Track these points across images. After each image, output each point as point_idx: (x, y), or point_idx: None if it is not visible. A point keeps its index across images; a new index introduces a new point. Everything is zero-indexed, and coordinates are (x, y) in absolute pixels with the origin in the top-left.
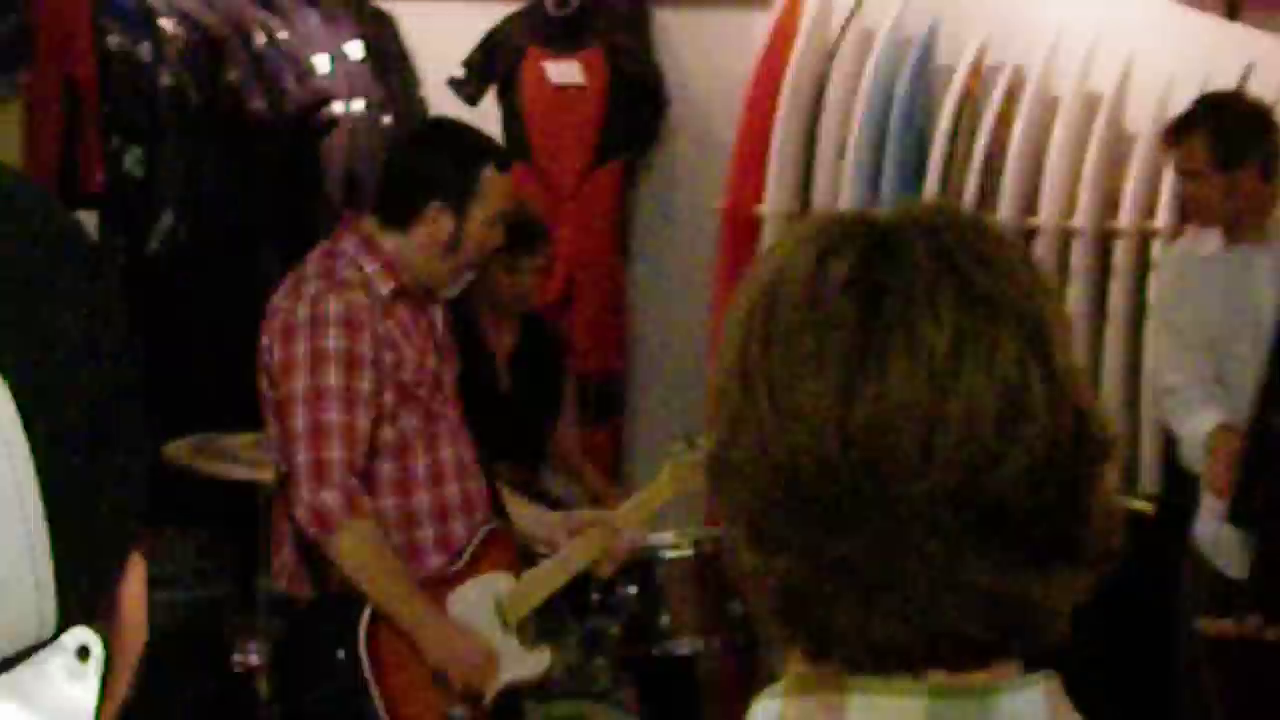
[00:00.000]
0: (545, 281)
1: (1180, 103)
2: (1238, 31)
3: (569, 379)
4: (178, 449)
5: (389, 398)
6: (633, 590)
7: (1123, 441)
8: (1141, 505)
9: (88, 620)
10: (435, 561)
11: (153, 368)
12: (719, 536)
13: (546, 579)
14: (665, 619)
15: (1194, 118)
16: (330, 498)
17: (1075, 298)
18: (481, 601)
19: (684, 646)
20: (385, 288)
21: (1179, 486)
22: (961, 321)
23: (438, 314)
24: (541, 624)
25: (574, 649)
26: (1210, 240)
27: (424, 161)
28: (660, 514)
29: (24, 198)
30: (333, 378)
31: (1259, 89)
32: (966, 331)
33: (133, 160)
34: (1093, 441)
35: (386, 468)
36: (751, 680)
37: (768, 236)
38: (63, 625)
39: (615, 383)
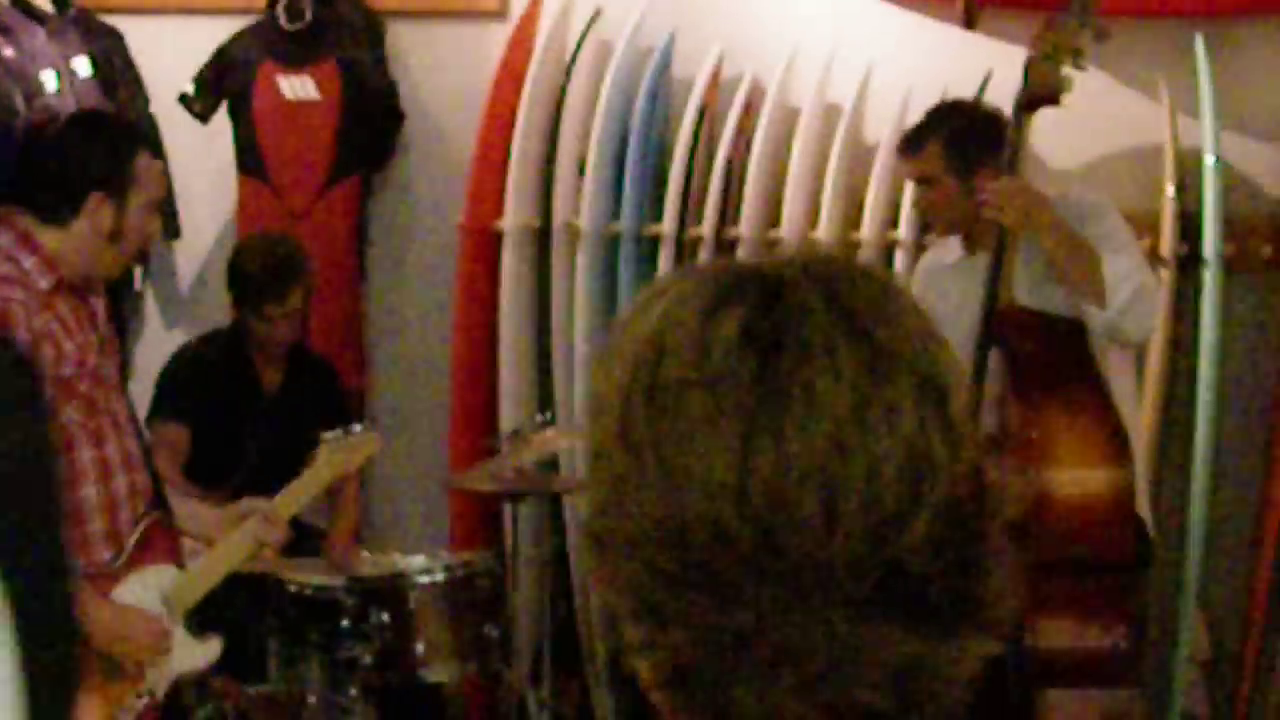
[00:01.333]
0: (300, 319)
1: (920, 112)
2: (975, 40)
3: (344, 403)
4: None
5: (48, 393)
6: (385, 617)
7: None
8: None
9: None
10: (103, 554)
11: None
12: (470, 560)
13: (210, 569)
14: (419, 646)
15: (928, 126)
16: None
17: None
18: (146, 594)
19: (438, 673)
20: (44, 282)
21: None
22: (861, 377)
23: (99, 306)
24: (209, 614)
25: (323, 681)
26: (954, 249)
27: (78, 155)
28: (403, 532)
29: None
30: None
31: (997, 97)
32: (867, 388)
33: None
34: (989, 499)
35: None
36: (502, 706)
37: (507, 251)
38: None
39: (356, 400)
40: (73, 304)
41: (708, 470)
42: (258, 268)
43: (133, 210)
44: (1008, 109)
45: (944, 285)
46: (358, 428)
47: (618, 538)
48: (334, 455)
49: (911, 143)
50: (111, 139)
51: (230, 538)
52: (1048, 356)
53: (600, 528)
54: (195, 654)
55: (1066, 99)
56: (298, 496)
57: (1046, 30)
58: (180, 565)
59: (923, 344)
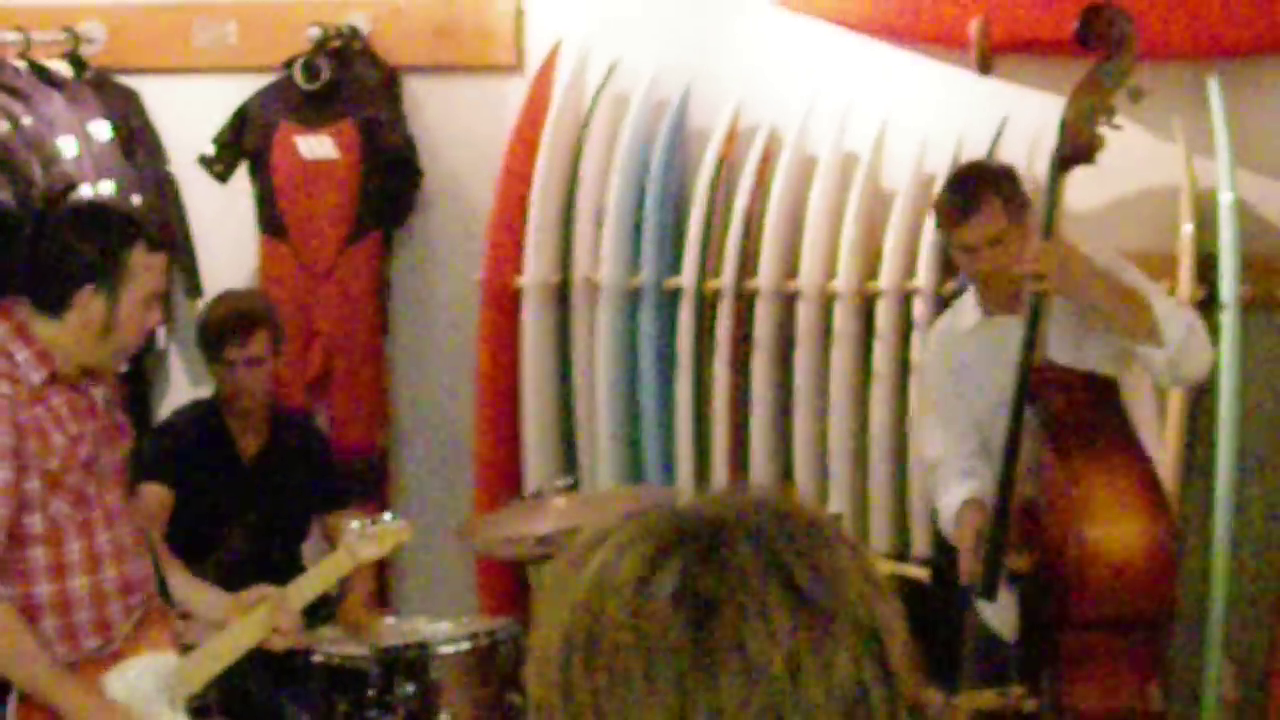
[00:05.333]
0: (269, 372)
1: (935, 160)
2: (990, 86)
3: (334, 471)
4: None
5: (34, 485)
6: (410, 688)
7: (891, 504)
8: (916, 572)
9: None
10: (91, 643)
11: None
12: (494, 628)
13: (216, 655)
14: (444, 715)
15: (976, 187)
16: None
17: (839, 359)
18: (142, 680)
19: None
20: (36, 376)
21: (954, 548)
22: (796, 634)
23: (100, 396)
24: (223, 700)
25: None
26: (968, 315)
27: (72, 247)
28: (432, 592)
29: None
30: None
31: (1012, 141)
32: (801, 644)
33: None
34: None
35: (40, 554)
36: None
37: (528, 307)
38: None
39: (378, 459)
40: (68, 396)
41: None
42: (221, 314)
43: (126, 304)
44: (1022, 151)
45: (962, 352)
46: (387, 516)
47: None
48: (357, 545)
49: (967, 209)
50: (107, 231)
51: (240, 624)
52: (1084, 414)
53: None
54: None
55: (1100, 157)
56: (314, 584)
57: (1081, 90)
58: (180, 652)
59: (858, 591)
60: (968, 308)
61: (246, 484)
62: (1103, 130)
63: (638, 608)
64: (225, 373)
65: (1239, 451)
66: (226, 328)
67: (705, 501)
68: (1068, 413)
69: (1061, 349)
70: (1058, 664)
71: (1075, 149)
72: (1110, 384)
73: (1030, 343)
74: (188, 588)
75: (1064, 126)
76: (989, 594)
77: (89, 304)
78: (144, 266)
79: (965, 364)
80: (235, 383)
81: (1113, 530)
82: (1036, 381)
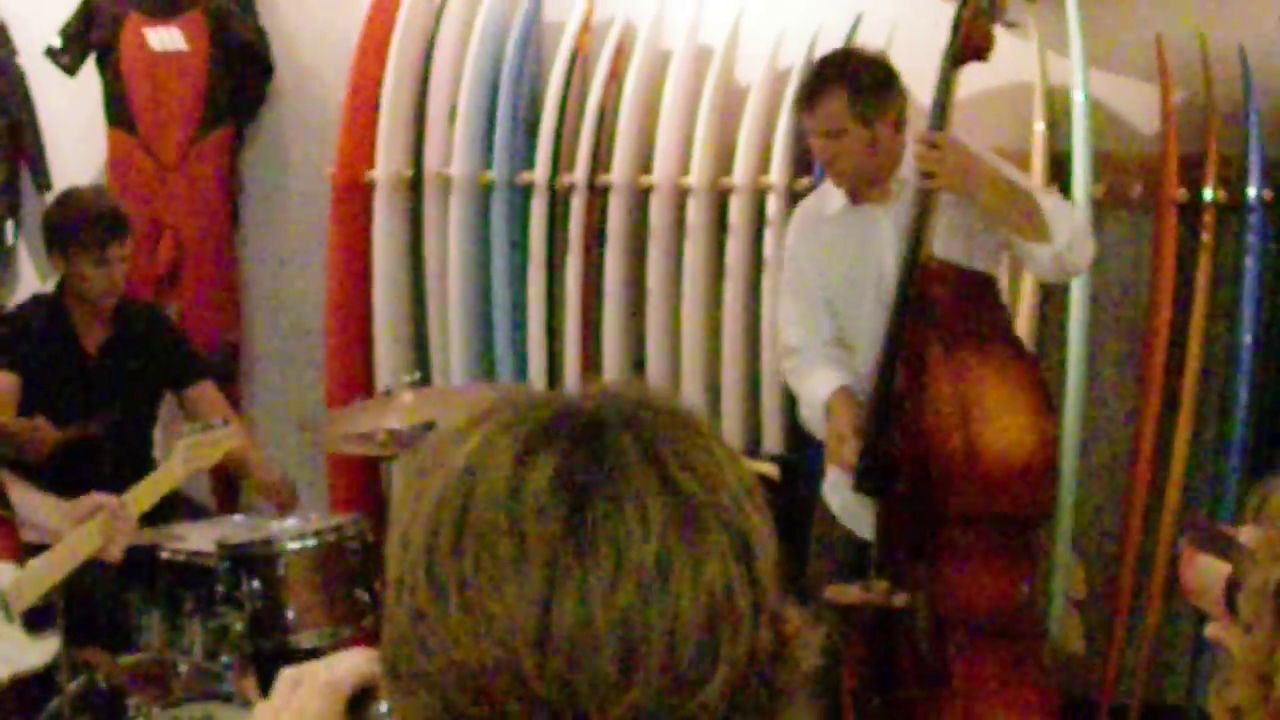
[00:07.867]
0: (127, 269)
1: (790, 55)
2: None
3: (185, 348)
4: None
5: None
6: (257, 584)
7: (742, 400)
8: (766, 468)
9: None
10: None
11: None
12: (341, 524)
13: (53, 566)
14: (290, 612)
15: (828, 76)
16: None
17: (692, 255)
18: None
19: (311, 639)
20: None
21: (805, 444)
22: (669, 531)
23: None
24: (50, 611)
25: (197, 648)
26: (835, 200)
27: None
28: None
29: None
30: None
31: (868, 37)
32: (673, 540)
33: None
34: (790, 652)
35: None
36: None
37: (379, 202)
38: None
39: (230, 354)
40: None
41: (510, 618)
42: (97, 211)
43: None
44: (877, 46)
45: (825, 236)
46: (218, 422)
47: (417, 674)
48: (190, 451)
49: (811, 96)
50: None
51: (76, 534)
52: (968, 310)
53: (396, 657)
54: (32, 652)
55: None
56: (148, 493)
57: None
58: (19, 562)
59: (732, 495)
60: (834, 192)
61: (92, 377)
62: (995, 29)
63: (512, 490)
64: (97, 270)
65: (1089, 348)
66: (110, 225)
67: (587, 392)
68: (952, 308)
69: (946, 245)
70: (934, 559)
71: (968, 46)
72: (991, 280)
73: (917, 238)
74: (26, 495)
75: (958, 23)
76: (866, 488)
77: None
78: None
79: (827, 248)
80: (107, 279)
81: (1003, 425)
82: (920, 277)
